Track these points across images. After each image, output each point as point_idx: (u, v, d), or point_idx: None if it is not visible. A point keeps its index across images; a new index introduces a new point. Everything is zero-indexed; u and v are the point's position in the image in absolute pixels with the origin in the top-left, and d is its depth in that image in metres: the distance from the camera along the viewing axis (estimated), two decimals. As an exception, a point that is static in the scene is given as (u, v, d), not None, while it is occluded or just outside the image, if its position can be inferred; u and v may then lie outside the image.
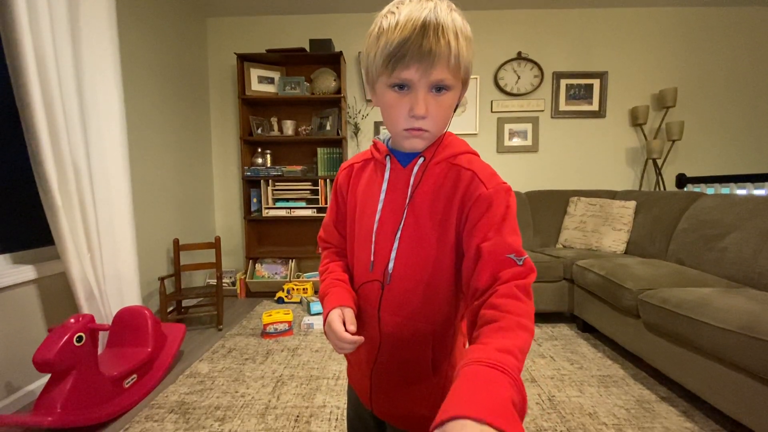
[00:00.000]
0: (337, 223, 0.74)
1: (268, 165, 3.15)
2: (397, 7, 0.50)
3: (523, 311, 0.45)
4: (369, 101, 3.18)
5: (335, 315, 0.59)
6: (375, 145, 0.65)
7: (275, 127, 3.15)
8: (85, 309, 1.69)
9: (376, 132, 3.28)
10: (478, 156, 0.60)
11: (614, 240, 2.57)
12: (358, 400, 0.73)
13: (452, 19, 0.48)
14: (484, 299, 0.48)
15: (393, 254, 0.59)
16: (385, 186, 0.60)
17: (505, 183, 0.54)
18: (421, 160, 0.58)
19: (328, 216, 0.76)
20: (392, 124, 0.55)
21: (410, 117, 0.52)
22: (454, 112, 0.56)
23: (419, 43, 0.47)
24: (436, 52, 0.47)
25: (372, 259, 0.61)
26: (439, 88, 0.51)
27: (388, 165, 0.61)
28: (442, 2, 0.49)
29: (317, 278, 3.10)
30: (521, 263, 0.49)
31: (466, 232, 0.53)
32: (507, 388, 0.36)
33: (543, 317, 2.55)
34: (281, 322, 2.27)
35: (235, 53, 2.99)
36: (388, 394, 0.65)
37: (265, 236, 3.38)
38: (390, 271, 0.59)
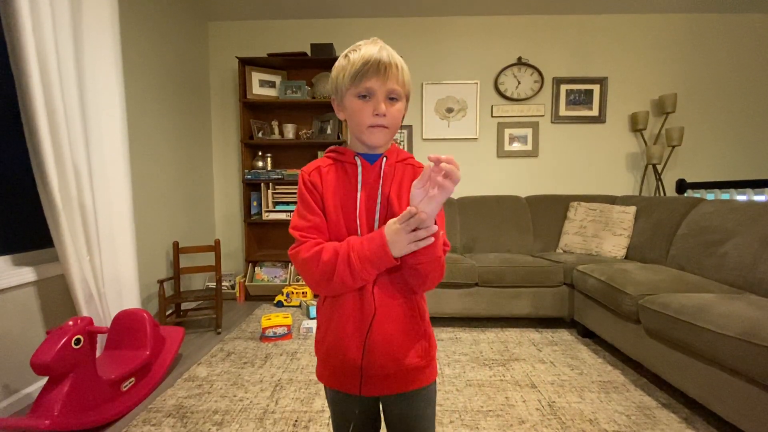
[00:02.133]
0: (318, 211, 0.73)
1: (269, 168, 3.16)
2: (356, 48, 0.70)
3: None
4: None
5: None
6: (336, 151, 0.78)
7: (276, 130, 3.16)
8: (84, 311, 1.69)
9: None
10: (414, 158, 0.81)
11: (614, 245, 2.56)
12: (343, 397, 0.77)
13: (395, 54, 0.70)
14: None
15: None
16: (360, 179, 0.74)
17: None
18: (384, 159, 0.75)
19: (307, 213, 0.73)
20: (359, 123, 0.71)
21: (374, 116, 0.69)
22: (401, 121, 0.74)
23: (377, 63, 0.67)
24: (388, 70, 0.67)
25: None
26: (392, 98, 0.70)
27: (359, 163, 0.74)
28: (386, 45, 0.70)
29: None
30: (441, 234, 0.71)
31: None
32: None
33: (543, 322, 2.54)
34: (280, 326, 2.26)
35: (236, 57, 3.01)
36: (384, 356, 0.71)
37: (264, 239, 3.38)
38: None
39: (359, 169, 0.74)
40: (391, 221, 0.66)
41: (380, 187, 0.73)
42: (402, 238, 0.63)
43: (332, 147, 0.80)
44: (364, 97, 0.69)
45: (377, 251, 0.65)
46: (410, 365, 0.74)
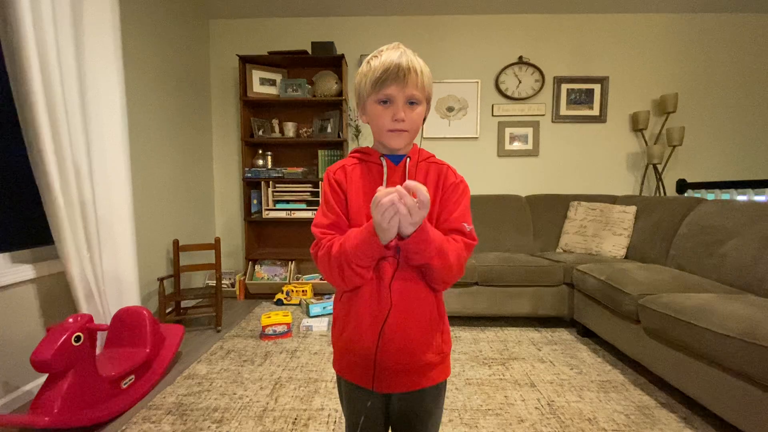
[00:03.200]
0: (343, 213, 0.76)
1: (269, 166, 3.16)
2: (378, 53, 0.72)
3: (463, 256, 0.73)
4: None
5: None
6: (361, 151, 0.81)
7: (276, 128, 3.16)
8: (84, 309, 1.69)
9: (377, 135, 3.30)
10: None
11: (614, 245, 2.56)
12: (357, 390, 0.77)
13: (416, 58, 0.72)
14: None
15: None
16: (385, 179, 0.76)
17: (460, 174, 0.81)
18: (408, 159, 0.78)
19: (329, 211, 0.75)
20: (379, 128, 0.74)
21: (393, 121, 0.72)
22: (423, 123, 0.78)
23: (396, 70, 0.69)
24: (407, 76, 0.69)
25: None
26: (412, 102, 0.72)
27: (385, 164, 0.77)
28: (408, 50, 0.72)
29: (317, 280, 3.10)
30: (469, 229, 0.75)
31: (442, 206, 0.77)
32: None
33: (542, 321, 2.55)
34: (280, 324, 2.27)
35: (237, 55, 3.00)
36: (399, 351, 0.73)
37: (264, 238, 3.38)
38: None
39: (384, 169, 0.77)
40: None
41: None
42: (378, 222, 0.62)
43: (357, 148, 0.83)
44: (385, 102, 0.72)
45: (365, 238, 0.65)
46: (424, 361, 0.75)
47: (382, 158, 0.77)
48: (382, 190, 0.60)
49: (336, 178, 0.77)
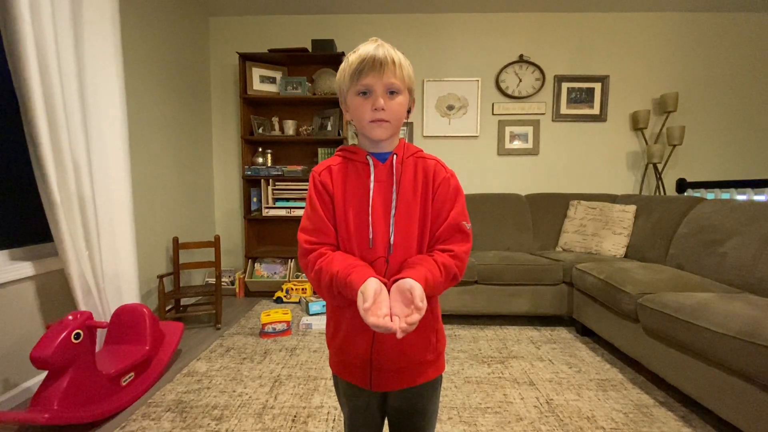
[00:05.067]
0: (328, 218, 0.75)
1: (269, 164, 3.15)
2: (356, 49, 0.73)
3: (459, 265, 0.73)
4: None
5: (378, 288, 0.64)
6: (347, 150, 0.80)
7: (276, 126, 3.15)
8: (83, 306, 1.69)
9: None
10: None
11: (614, 244, 2.56)
12: (354, 389, 0.79)
13: (395, 51, 0.71)
14: (442, 246, 0.74)
15: (392, 228, 0.73)
16: (372, 177, 0.75)
17: (450, 168, 0.79)
18: (395, 156, 0.76)
19: (313, 216, 0.75)
20: (360, 119, 0.73)
21: (373, 111, 0.70)
22: (408, 115, 0.77)
23: (372, 60, 0.68)
24: (384, 65, 0.69)
25: (371, 236, 0.73)
26: (392, 91, 0.71)
27: (371, 162, 0.76)
28: (386, 44, 0.72)
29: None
30: (468, 228, 0.76)
31: (437, 203, 0.75)
32: (428, 268, 0.67)
33: (542, 320, 2.55)
34: (280, 322, 2.27)
35: (237, 52, 3.00)
36: (393, 351, 0.73)
37: (264, 236, 3.37)
38: (392, 243, 0.72)
39: (371, 168, 0.75)
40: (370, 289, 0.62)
41: (394, 185, 0.74)
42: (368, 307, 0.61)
43: (343, 146, 0.81)
44: (364, 94, 0.71)
45: (354, 296, 0.63)
46: (419, 360, 0.76)
47: (368, 157, 0.76)
48: (370, 318, 0.59)
49: (322, 180, 0.76)
